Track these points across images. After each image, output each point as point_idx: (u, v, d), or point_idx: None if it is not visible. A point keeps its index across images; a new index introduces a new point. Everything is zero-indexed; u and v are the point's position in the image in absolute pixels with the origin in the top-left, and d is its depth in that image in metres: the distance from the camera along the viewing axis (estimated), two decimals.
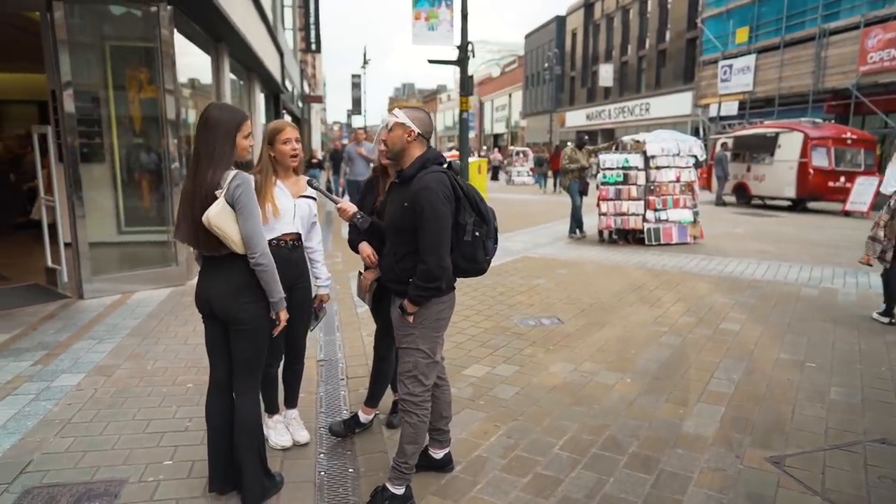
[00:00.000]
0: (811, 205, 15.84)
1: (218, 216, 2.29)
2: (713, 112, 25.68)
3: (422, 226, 2.40)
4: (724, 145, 17.45)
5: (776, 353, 4.60)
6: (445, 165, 2.57)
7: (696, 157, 9.97)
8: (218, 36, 9.17)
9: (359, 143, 10.77)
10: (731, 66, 24.38)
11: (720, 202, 16.74)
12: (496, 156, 32.55)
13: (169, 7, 6.16)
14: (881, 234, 5.32)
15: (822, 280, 7.10)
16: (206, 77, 9.40)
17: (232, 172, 2.36)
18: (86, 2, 6.00)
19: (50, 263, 6.29)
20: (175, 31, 6.41)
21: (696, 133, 26.07)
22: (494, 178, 29.00)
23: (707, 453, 3.09)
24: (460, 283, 6.99)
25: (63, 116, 5.68)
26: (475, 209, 2.51)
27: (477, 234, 2.48)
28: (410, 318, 2.53)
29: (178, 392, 3.75)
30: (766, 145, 16.07)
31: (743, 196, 16.82)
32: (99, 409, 3.51)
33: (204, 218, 2.29)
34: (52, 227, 6.23)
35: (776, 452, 3.10)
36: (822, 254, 8.83)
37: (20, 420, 3.35)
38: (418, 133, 2.54)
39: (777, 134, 15.76)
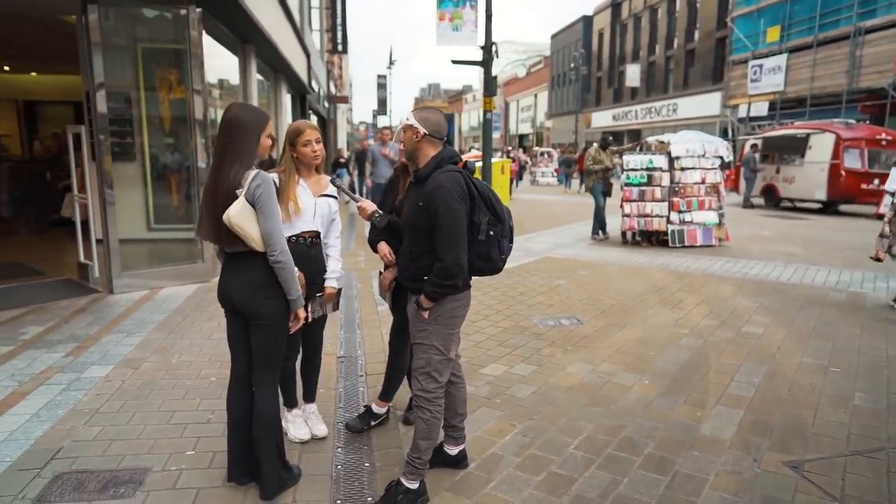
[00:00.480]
0: (843, 207, 15.46)
1: (238, 215, 2.36)
2: (742, 113, 25.23)
3: (437, 224, 2.44)
4: (753, 146, 17.13)
5: (799, 357, 4.52)
6: (461, 164, 2.60)
7: (722, 158, 9.82)
8: (245, 37, 9.34)
9: (384, 144, 9.99)
10: (761, 66, 23.92)
11: (748, 204, 16.44)
12: (522, 155, 32.38)
13: (198, 9, 6.31)
14: (887, 229, 5.60)
15: (850, 284, 6.94)
16: (233, 77, 9.59)
17: (252, 172, 2.42)
18: (118, 5, 6.18)
19: (82, 259, 6.50)
20: (203, 32, 6.56)
21: (724, 134, 25.65)
22: (519, 177, 28.49)
23: (724, 456, 3.07)
24: (480, 282, 6.97)
25: (96, 116, 5.86)
26: (490, 208, 2.54)
27: (491, 233, 2.51)
28: (425, 314, 2.57)
29: (201, 385, 3.85)
30: (797, 146, 15.74)
31: (772, 198, 16.50)
32: (126, 399, 3.63)
33: (225, 217, 2.36)
34: (85, 224, 6.44)
35: (795, 457, 3.06)
36: (851, 257, 8.63)
37: (52, 409, 3.49)
38: (425, 133, 2.57)
39: (808, 135, 15.42)
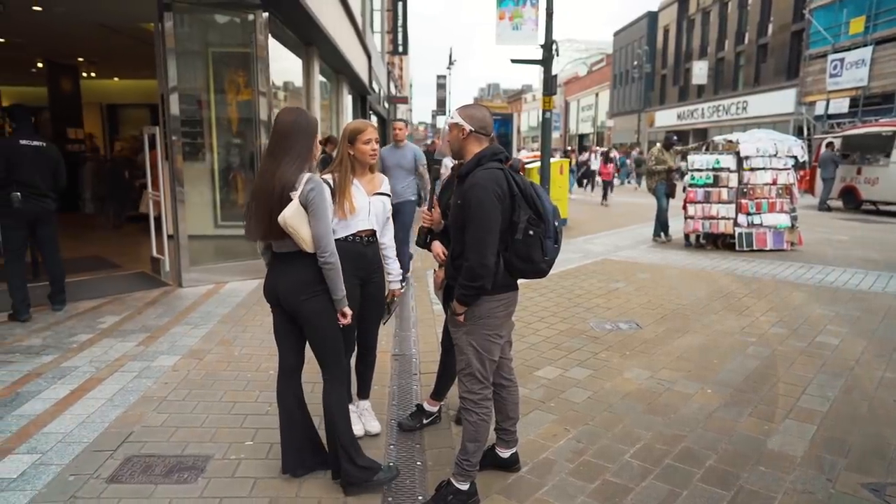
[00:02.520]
0: None
1: (293, 217, 2.43)
2: (819, 110, 23.83)
3: (468, 223, 2.41)
4: (829, 145, 16.16)
5: (881, 371, 4.22)
6: (508, 162, 2.55)
7: (795, 158, 9.30)
8: (309, 40, 9.58)
9: (398, 144, 6.40)
10: (842, 60, 22.51)
11: (824, 207, 15.53)
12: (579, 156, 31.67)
13: (264, 14, 6.53)
14: None
15: None
16: (297, 79, 9.86)
17: (306, 175, 2.50)
18: (192, 12, 6.47)
19: (155, 254, 6.84)
20: (269, 36, 6.77)
21: (799, 133, 24.31)
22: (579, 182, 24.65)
23: (793, 474, 2.90)
24: (537, 283, 6.86)
25: (169, 118, 6.15)
26: (532, 207, 2.47)
27: (531, 232, 2.44)
28: (460, 317, 2.55)
29: (261, 377, 3.97)
30: (881, 145, 14.72)
31: (851, 201, 15.51)
32: (191, 389, 3.79)
33: (280, 218, 2.44)
34: (158, 220, 6.77)
35: (875, 479, 2.85)
36: None
37: (125, 395, 3.68)
38: (470, 130, 2.55)
39: (895, 133, 14.41)
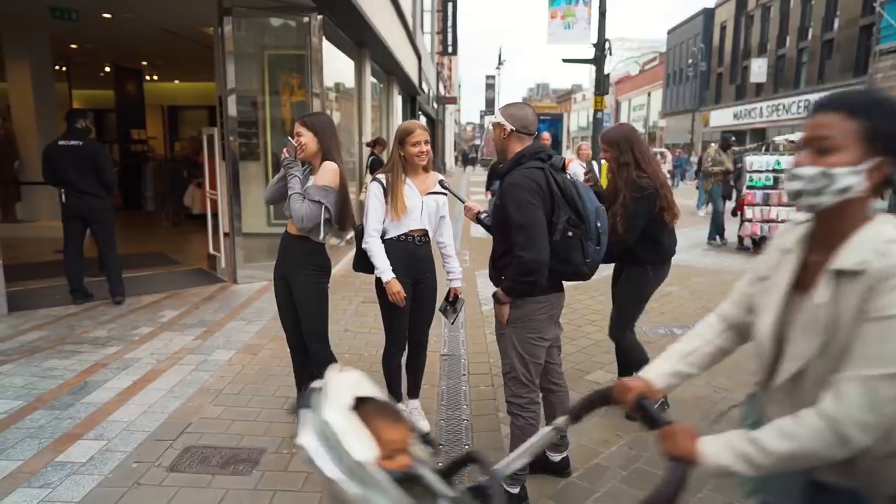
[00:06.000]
0: None
1: None
2: None
3: (514, 223, 2.37)
4: None
5: None
6: (549, 161, 2.48)
7: None
8: (361, 41, 9.72)
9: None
10: None
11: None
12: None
13: (319, 16, 6.65)
14: None
15: None
16: (349, 81, 10.02)
17: None
18: (249, 16, 6.65)
19: (211, 251, 7.06)
20: (323, 38, 6.90)
21: None
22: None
23: None
24: (587, 286, 6.71)
25: (226, 119, 6.34)
26: (571, 207, 2.41)
27: (570, 234, 2.38)
28: (504, 316, 2.50)
29: None
30: None
31: None
32: (245, 383, 3.89)
33: None
34: (215, 218, 6.99)
35: None
36: None
37: (183, 387, 3.81)
38: (512, 129, 2.50)
39: None
